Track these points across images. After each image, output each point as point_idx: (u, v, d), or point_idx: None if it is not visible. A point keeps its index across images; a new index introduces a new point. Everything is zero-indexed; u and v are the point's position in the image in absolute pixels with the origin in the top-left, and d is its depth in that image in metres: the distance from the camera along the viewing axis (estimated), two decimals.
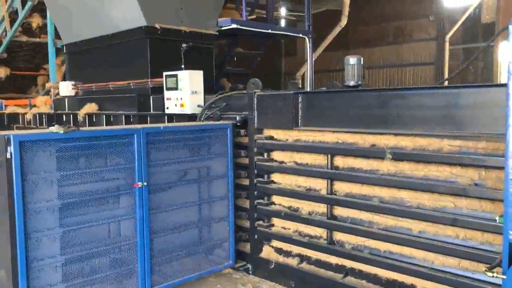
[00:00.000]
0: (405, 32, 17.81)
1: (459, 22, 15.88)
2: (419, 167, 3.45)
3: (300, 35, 8.60)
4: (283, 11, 13.51)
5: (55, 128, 3.42)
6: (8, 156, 3.18)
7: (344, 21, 11.86)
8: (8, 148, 3.17)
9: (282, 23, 13.81)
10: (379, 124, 3.66)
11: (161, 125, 4.40)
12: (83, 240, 3.62)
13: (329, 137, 4.00)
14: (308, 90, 7.83)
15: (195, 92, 5.22)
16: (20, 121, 8.56)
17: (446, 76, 16.22)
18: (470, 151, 3.16)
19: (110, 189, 3.78)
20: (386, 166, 3.62)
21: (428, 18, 17.13)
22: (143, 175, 3.89)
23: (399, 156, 3.51)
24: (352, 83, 4.43)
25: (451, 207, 3.29)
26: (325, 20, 13.17)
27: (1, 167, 3.24)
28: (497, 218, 2.88)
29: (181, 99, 5.26)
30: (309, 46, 8.49)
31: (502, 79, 15.45)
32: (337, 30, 12.09)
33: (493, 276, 2.79)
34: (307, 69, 9.00)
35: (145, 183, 3.91)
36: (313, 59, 9.07)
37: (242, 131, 4.74)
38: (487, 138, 3.08)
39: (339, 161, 3.95)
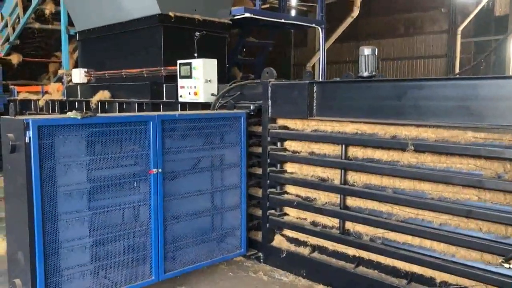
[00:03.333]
0: (417, 24, 17.67)
1: (472, 15, 15.72)
2: (441, 159, 3.42)
3: (313, 25, 8.55)
4: (293, 1, 13.44)
5: (72, 114, 3.45)
6: (27, 140, 3.21)
7: (356, 12, 11.81)
8: (27, 132, 3.20)
9: (293, 13, 13.73)
10: (397, 115, 3.65)
11: (176, 112, 4.41)
12: (99, 225, 3.65)
13: (348, 127, 3.99)
14: (321, 80, 7.80)
15: (209, 80, 5.23)
16: (32, 107, 8.62)
17: (457, 69, 16.10)
18: (495, 143, 3.13)
19: (125, 176, 3.81)
20: (406, 158, 3.60)
21: (440, 10, 16.97)
22: (158, 162, 3.92)
23: (421, 147, 3.48)
24: (366, 74, 4.41)
25: (474, 200, 3.27)
26: (336, 11, 13.10)
27: (19, 151, 3.28)
28: None
29: (194, 87, 5.27)
30: (322, 37, 8.46)
31: None
32: (348, 21, 12.04)
33: (509, 268, 2.82)
34: (319, 59, 8.97)
35: (160, 170, 3.93)
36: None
37: (256, 120, 4.74)
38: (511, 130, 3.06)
39: (359, 152, 3.93)
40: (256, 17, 7.10)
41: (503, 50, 15.46)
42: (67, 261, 3.47)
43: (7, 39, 9.85)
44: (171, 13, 5.99)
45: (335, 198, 4.17)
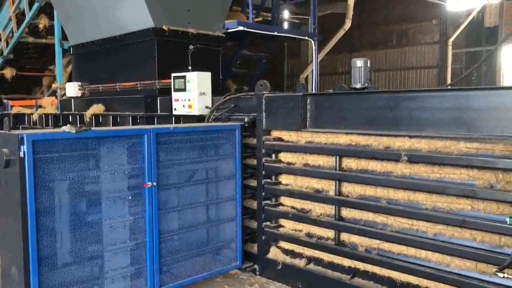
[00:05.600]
0: (409, 35, 17.88)
1: (462, 26, 15.94)
2: (434, 169, 3.44)
3: (306, 37, 8.64)
4: (286, 13, 13.58)
5: (67, 128, 3.45)
6: (21, 155, 3.20)
7: (348, 24, 11.93)
8: (22, 147, 3.20)
9: (286, 25, 13.86)
10: (390, 126, 3.68)
11: (170, 125, 4.43)
12: (93, 240, 3.63)
13: (342, 139, 4.01)
14: (314, 92, 7.85)
15: (203, 93, 5.25)
16: (26, 121, 8.59)
17: (448, 79, 16.28)
18: (488, 154, 3.16)
19: (119, 189, 3.80)
20: (400, 169, 3.63)
21: (432, 22, 17.19)
22: (152, 176, 3.92)
23: (415, 158, 3.50)
24: (359, 85, 4.45)
25: (468, 210, 3.29)
26: (329, 23, 13.23)
27: (13, 166, 3.27)
28: (507, 219, 2.92)
29: (189, 100, 5.29)
30: (315, 49, 8.54)
31: (505, 82, 15.50)
32: (341, 33, 12.17)
33: (503, 277, 2.83)
34: (312, 71, 9.04)
35: (154, 183, 3.93)
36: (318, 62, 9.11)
37: (251, 132, 4.76)
38: (504, 140, 3.09)
39: (353, 163, 3.95)
40: (249, 30, 7.16)
41: (494, 61, 15.66)
42: (62, 276, 3.44)
43: (1, 54, 9.84)
44: (165, 27, 6.03)
45: (330, 209, 4.18)
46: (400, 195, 3.66)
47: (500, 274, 2.89)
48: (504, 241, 3.13)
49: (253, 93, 4.78)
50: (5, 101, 9.31)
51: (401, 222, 3.67)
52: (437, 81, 16.82)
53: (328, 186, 4.18)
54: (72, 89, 7.26)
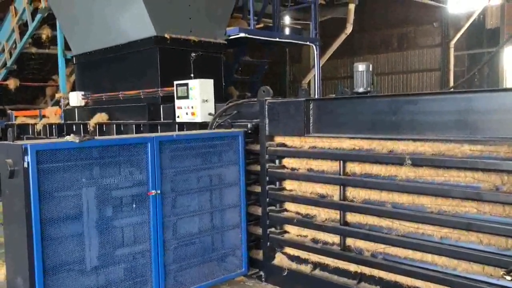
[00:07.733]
0: (410, 38, 17.88)
1: (463, 28, 15.94)
2: (439, 172, 3.43)
3: (308, 43, 8.65)
4: (287, 19, 13.61)
5: (70, 138, 3.46)
6: (25, 165, 3.21)
7: (349, 29, 11.97)
8: (25, 157, 3.21)
9: (287, 31, 13.89)
10: (393, 130, 3.67)
11: (173, 133, 4.44)
12: (98, 249, 3.63)
13: (345, 143, 4.00)
14: (317, 97, 7.85)
15: (206, 100, 5.27)
16: (30, 131, 8.63)
17: (451, 81, 16.25)
18: (492, 156, 3.14)
19: (123, 198, 3.80)
20: (404, 172, 3.61)
21: (433, 25, 17.20)
22: (156, 184, 3.92)
23: (419, 161, 3.49)
24: (361, 89, 4.45)
25: (473, 213, 3.27)
26: (330, 28, 13.27)
27: (17, 176, 3.28)
28: None
29: (192, 107, 5.30)
30: (316, 54, 8.55)
31: (508, 83, 15.46)
32: (342, 37, 12.19)
33: (511, 280, 2.81)
34: (314, 76, 9.05)
35: (158, 191, 3.93)
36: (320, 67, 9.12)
37: (254, 139, 4.76)
38: (507, 142, 3.07)
39: (357, 167, 3.95)
40: (251, 36, 7.19)
41: (496, 62, 15.63)
42: (67, 286, 3.44)
43: (4, 64, 9.91)
44: (167, 35, 6.06)
45: (335, 214, 4.16)
46: (405, 199, 3.65)
47: (508, 277, 2.86)
48: (511, 243, 3.10)
49: (255, 99, 4.78)
50: (9, 111, 9.37)
51: (406, 226, 3.65)
52: (440, 84, 16.80)
53: (332, 191, 4.17)
54: (76, 99, 7.31)
